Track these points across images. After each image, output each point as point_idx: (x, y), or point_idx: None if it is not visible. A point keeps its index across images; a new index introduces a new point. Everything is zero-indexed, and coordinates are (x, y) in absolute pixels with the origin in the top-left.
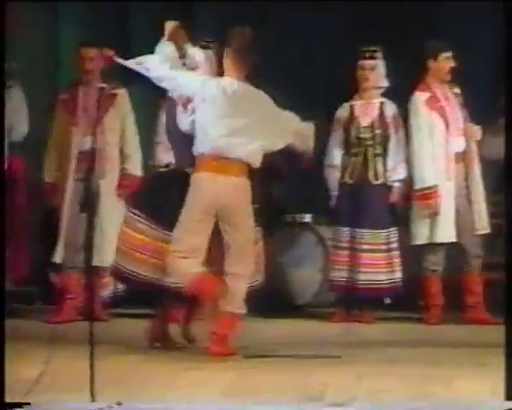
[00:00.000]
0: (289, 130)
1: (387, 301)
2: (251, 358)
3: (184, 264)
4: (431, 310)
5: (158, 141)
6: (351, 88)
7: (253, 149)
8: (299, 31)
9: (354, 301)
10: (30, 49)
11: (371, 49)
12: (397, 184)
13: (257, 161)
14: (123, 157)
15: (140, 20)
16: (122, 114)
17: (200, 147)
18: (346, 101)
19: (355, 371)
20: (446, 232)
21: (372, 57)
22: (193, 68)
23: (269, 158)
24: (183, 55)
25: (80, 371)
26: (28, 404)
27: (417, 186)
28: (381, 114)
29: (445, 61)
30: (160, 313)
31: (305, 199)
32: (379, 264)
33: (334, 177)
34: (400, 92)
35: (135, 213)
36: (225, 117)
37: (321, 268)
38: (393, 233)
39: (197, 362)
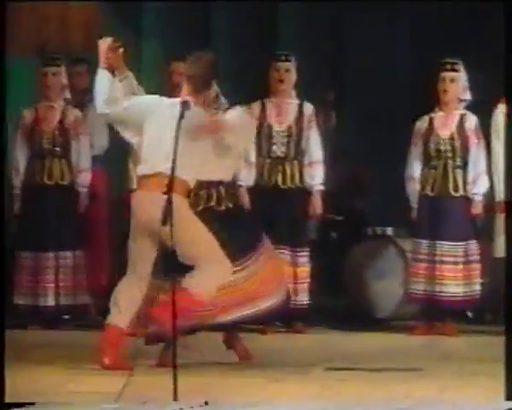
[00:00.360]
0: (233, 164)
1: (469, 314)
2: (333, 370)
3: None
4: None
5: None
6: (432, 100)
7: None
8: (381, 43)
9: (435, 313)
10: None
11: (452, 61)
12: (477, 197)
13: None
14: None
15: (222, 33)
16: None
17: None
18: (427, 113)
19: (437, 384)
20: None
21: (453, 69)
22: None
23: (351, 172)
24: (121, 79)
25: (162, 382)
26: (32, 404)
27: (499, 198)
28: (461, 126)
29: None
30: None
31: (386, 212)
32: (458, 276)
33: (414, 189)
34: (485, 105)
35: None
36: (170, 140)
37: (402, 281)
38: (473, 245)
39: (279, 374)
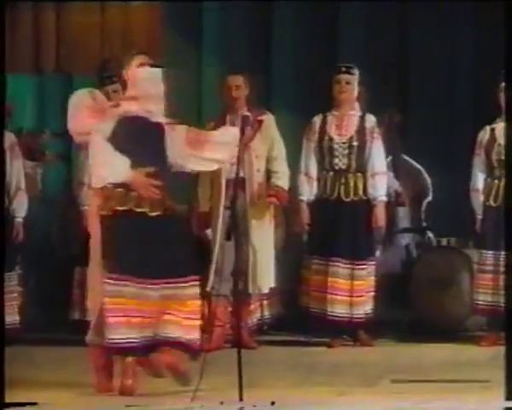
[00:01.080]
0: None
1: None
2: (399, 383)
3: None
4: None
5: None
6: (493, 111)
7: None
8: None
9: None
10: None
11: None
12: None
13: None
14: (271, 173)
15: (284, 46)
16: (269, 140)
17: None
18: (489, 124)
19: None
20: None
21: None
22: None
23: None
24: None
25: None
26: (34, 404)
27: None
28: None
29: None
30: None
31: (451, 222)
32: None
33: (477, 200)
34: None
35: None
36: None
37: (468, 292)
38: None
39: (347, 387)
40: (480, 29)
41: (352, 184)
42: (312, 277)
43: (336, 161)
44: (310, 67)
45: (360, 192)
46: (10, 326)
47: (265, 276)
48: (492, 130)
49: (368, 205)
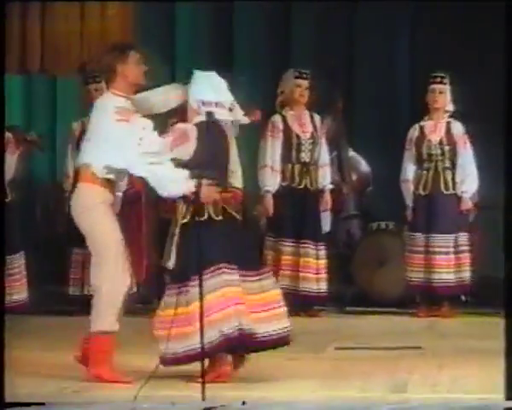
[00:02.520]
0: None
1: (464, 298)
2: (343, 350)
3: None
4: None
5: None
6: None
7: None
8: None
9: (433, 298)
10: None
11: (441, 74)
12: (466, 195)
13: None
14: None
15: (242, 51)
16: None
17: None
18: (417, 120)
19: (437, 361)
20: None
21: (441, 82)
22: None
23: (359, 169)
24: None
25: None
26: (42, 404)
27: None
28: (449, 132)
29: None
30: None
31: (389, 208)
32: (450, 264)
33: (408, 190)
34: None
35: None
36: None
37: (403, 270)
38: (462, 237)
39: (296, 353)
40: (414, 30)
41: (313, 174)
42: (282, 257)
43: (302, 155)
44: (267, 67)
45: (318, 182)
46: (19, 303)
47: None
48: (421, 127)
49: (318, 192)
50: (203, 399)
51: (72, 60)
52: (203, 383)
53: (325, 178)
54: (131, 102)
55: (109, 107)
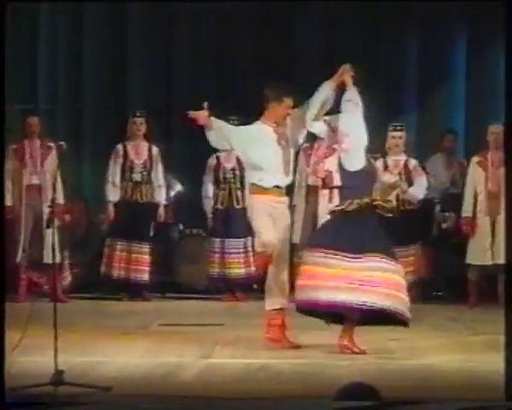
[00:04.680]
0: None
1: (255, 286)
2: (165, 326)
3: None
4: None
5: None
6: None
7: None
8: None
9: (230, 287)
10: None
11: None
12: None
13: None
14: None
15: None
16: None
17: None
18: (215, 152)
19: (234, 334)
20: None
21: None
22: None
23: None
24: None
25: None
26: (43, 404)
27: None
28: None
29: None
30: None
31: (197, 218)
32: (240, 262)
33: (208, 204)
34: None
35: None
36: None
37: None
38: (249, 241)
39: (127, 328)
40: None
41: (144, 191)
42: (116, 253)
43: (134, 175)
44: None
45: (149, 197)
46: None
47: None
48: (218, 157)
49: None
50: None
51: None
52: None
53: (160, 195)
54: None
55: None
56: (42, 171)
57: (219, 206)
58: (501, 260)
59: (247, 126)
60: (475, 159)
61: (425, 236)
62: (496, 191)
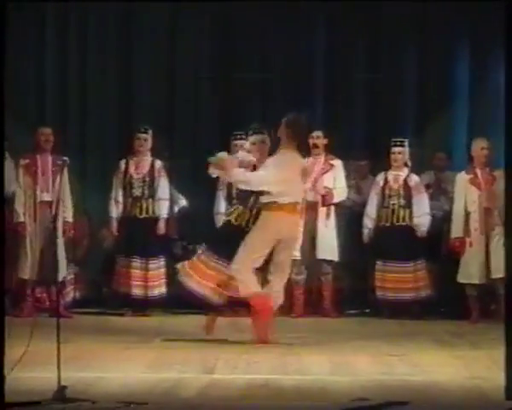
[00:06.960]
0: None
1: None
2: (167, 341)
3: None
4: None
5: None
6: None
7: None
8: None
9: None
10: None
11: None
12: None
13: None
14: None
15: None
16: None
17: None
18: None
19: (238, 350)
20: None
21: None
22: None
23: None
24: None
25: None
26: (38, 403)
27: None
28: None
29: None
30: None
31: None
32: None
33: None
34: None
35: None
36: None
37: None
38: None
39: (132, 343)
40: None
41: (144, 206)
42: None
43: (134, 190)
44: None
45: (150, 212)
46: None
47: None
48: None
49: (155, 220)
50: None
51: None
52: None
53: (160, 209)
54: None
55: None
56: (53, 188)
57: (233, 221)
58: (499, 274)
59: None
60: (465, 177)
61: (424, 253)
62: (491, 208)
